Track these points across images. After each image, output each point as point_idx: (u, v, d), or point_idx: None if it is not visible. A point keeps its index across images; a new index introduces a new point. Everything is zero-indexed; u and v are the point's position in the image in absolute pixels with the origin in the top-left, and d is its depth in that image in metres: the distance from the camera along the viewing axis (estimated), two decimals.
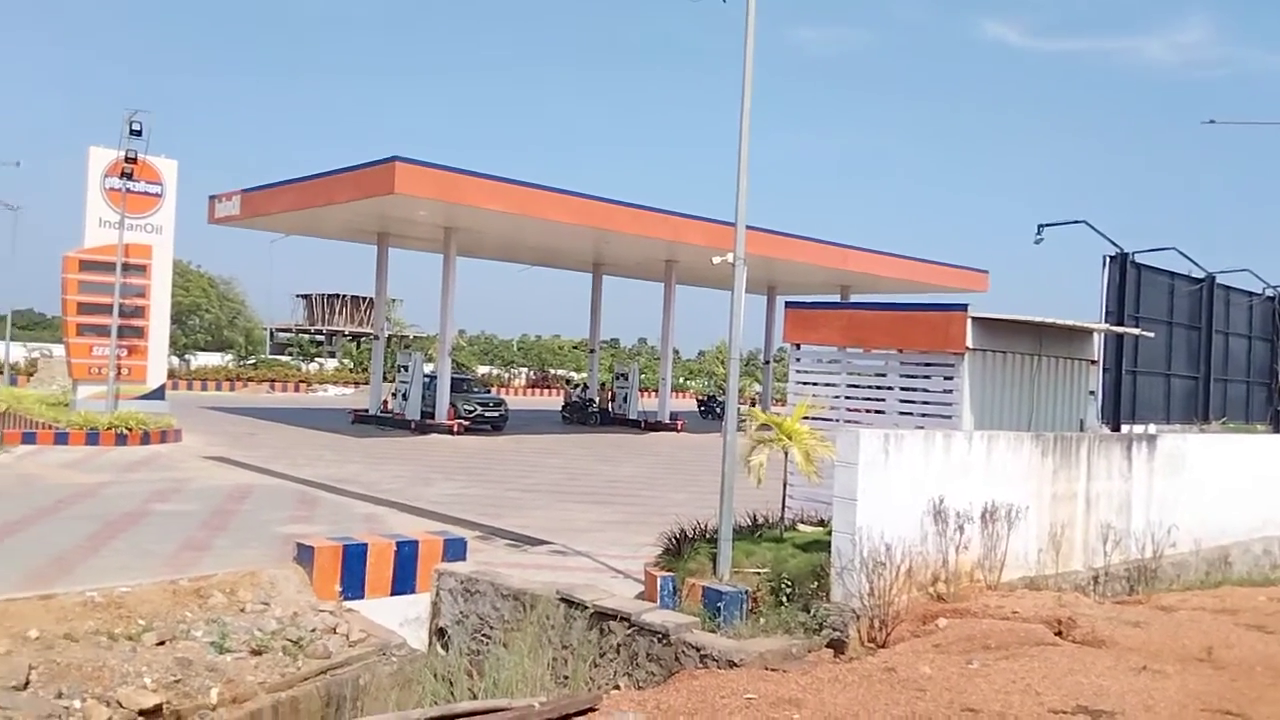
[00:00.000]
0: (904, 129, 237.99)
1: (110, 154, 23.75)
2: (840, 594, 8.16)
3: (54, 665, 7.80)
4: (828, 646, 7.91)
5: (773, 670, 6.73)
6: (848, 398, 12.48)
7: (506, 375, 69.03)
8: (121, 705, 7.40)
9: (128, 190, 23.72)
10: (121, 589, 9.07)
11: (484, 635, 9.88)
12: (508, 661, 7.93)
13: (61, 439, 21.57)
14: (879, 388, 12.50)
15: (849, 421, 11.80)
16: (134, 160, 23.28)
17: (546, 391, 61.69)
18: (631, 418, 36.04)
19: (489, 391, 38.14)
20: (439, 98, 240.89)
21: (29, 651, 7.94)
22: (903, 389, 12.19)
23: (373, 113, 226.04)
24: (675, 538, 10.11)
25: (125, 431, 22.08)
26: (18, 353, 43.36)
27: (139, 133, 23.06)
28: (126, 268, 23.74)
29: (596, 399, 37.81)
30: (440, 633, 10.35)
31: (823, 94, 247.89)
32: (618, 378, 38.45)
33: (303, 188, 26.77)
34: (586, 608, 8.85)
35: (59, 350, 39.35)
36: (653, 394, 42.72)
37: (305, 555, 10.35)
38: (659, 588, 9.26)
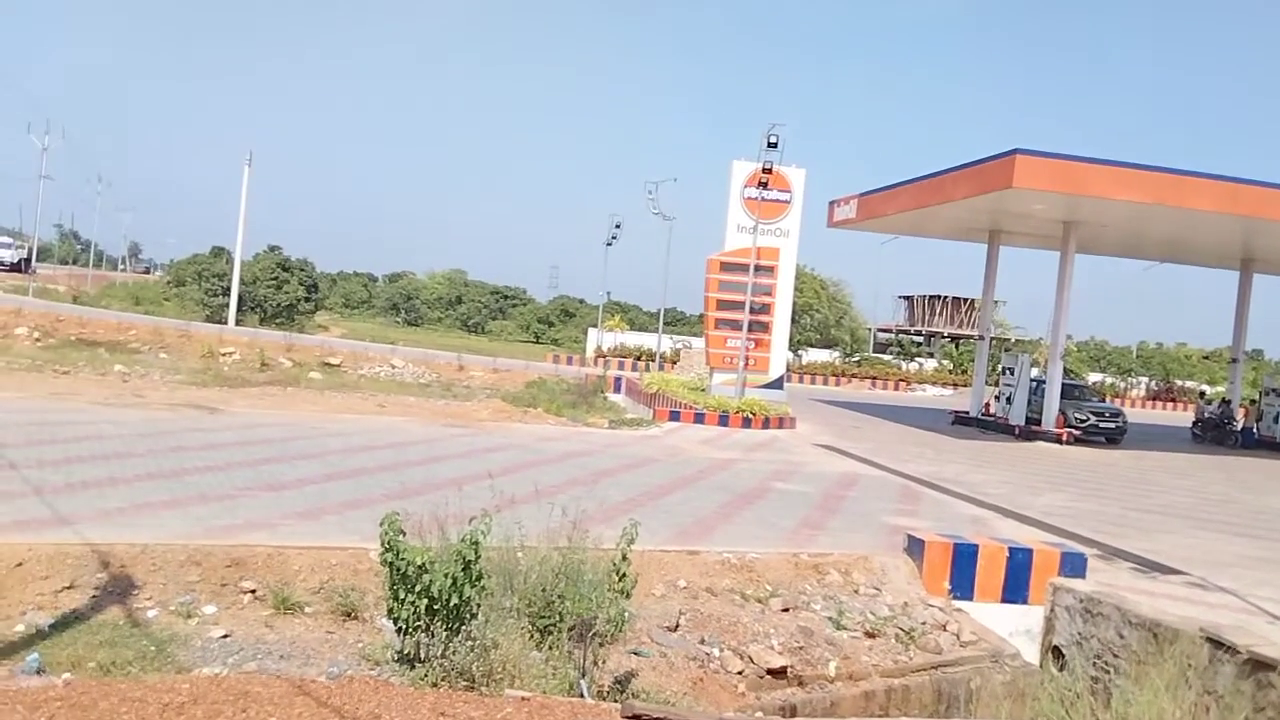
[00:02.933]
0: None
1: (749, 166, 26.51)
2: None
3: (698, 614, 8.85)
4: None
5: None
6: None
7: (1122, 384, 62.79)
8: (753, 661, 8.13)
9: (762, 198, 26.26)
10: (751, 555, 10.00)
11: (1106, 663, 9.01)
12: (1139, 698, 7.08)
13: (699, 419, 24.68)
14: None
15: None
16: (769, 171, 25.67)
17: (1170, 405, 54.83)
18: None
19: (1103, 400, 34.98)
20: (1048, 94, 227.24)
21: (678, 599, 9.13)
22: None
23: (979, 113, 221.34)
24: None
25: (750, 416, 24.55)
26: (666, 344, 50.74)
27: (775, 145, 25.35)
28: (758, 269, 26.31)
29: (1239, 417, 32.50)
30: (1055, 651, 9.67)
31: None
32: (1268, 393, 32.59)
33: (918, 188, 27.12)
34: (1239, 652, 7.57)
35: (697, 342, 45.19)
36: None
37: (915, 548, 10.42)
38: None
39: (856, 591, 9.73)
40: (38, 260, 67.65)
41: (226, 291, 54.77)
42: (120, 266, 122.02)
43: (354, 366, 34.64)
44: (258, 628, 7.12)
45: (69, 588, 7.17)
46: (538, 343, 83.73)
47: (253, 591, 7.56)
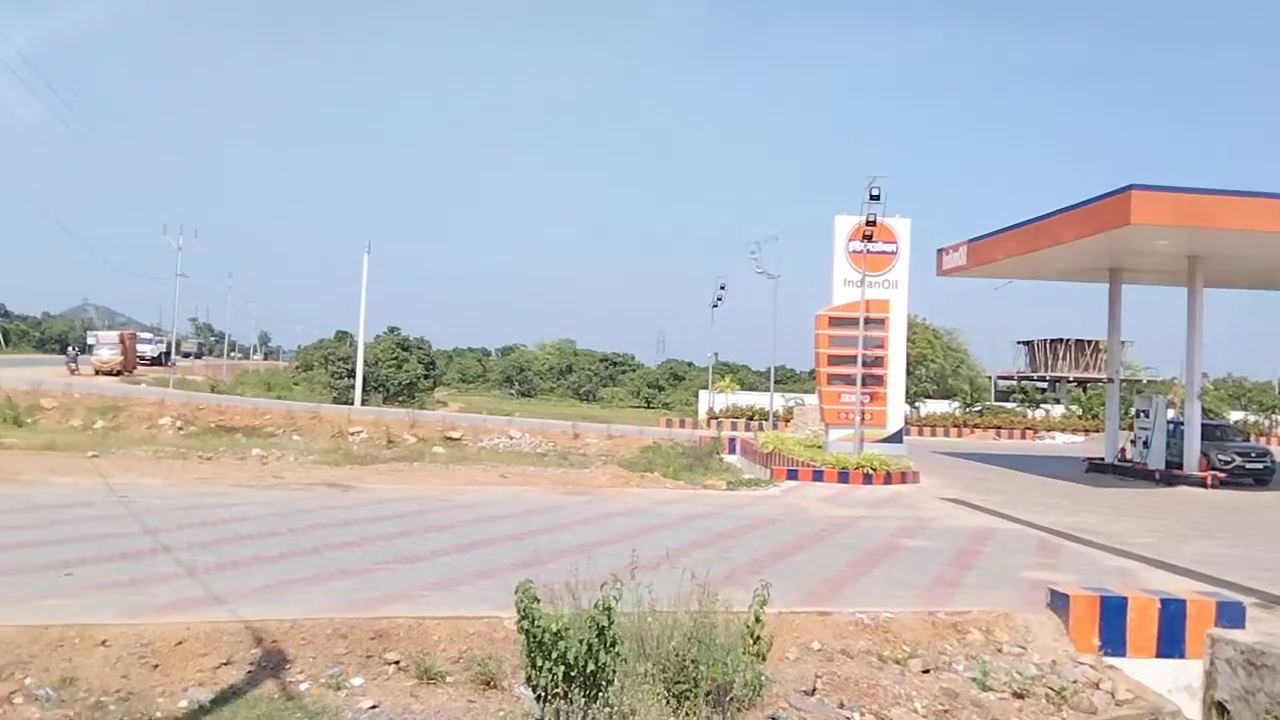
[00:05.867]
0: None
1: (852, 219, 26.41)
2: None
3: (835, 677, 8.66)
4: None
5: None
6: None
7: (1265, 422, 59.09)
8: None
9: (868, 251, 26.07)
10: (885, 614, 9.75)
11: (1276, 718, 8.42)
12: None
13: (818, 476, 24.32)
14: None
15: None
16: (873, 223, 25.51)
17: None
18: None
19: (1247, 439, 33.00)
20: (1158, 124, 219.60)
21: (813, 662, 8.95)
22: None
23: (1090, 146, 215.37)
24: None
25: (871, 471, 24.07)
26: (778, 402, 50.35)
27: (877, 197, 25.22)
28: (868, 322, 26.02)
29: None
30: (1219, 708, 9.09)
31: None
32: None
33: (1027, 231, 26.52)
34: None
35: (809, 399, 44.70)
36: None
37: (1059, 602, 9.99)
38: None
39: (1000, 650, 9.36)
40: (176, 353, 71.82)
41: (351, 374, 57.05)
42: (252, 355, 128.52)
43: (474, 439, 35.48)
44: (403, 698, 7.31)
45: (226, 664, 7.51)
46: (649, 407, 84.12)
47: (396, 662, 7.78)
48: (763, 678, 7.23)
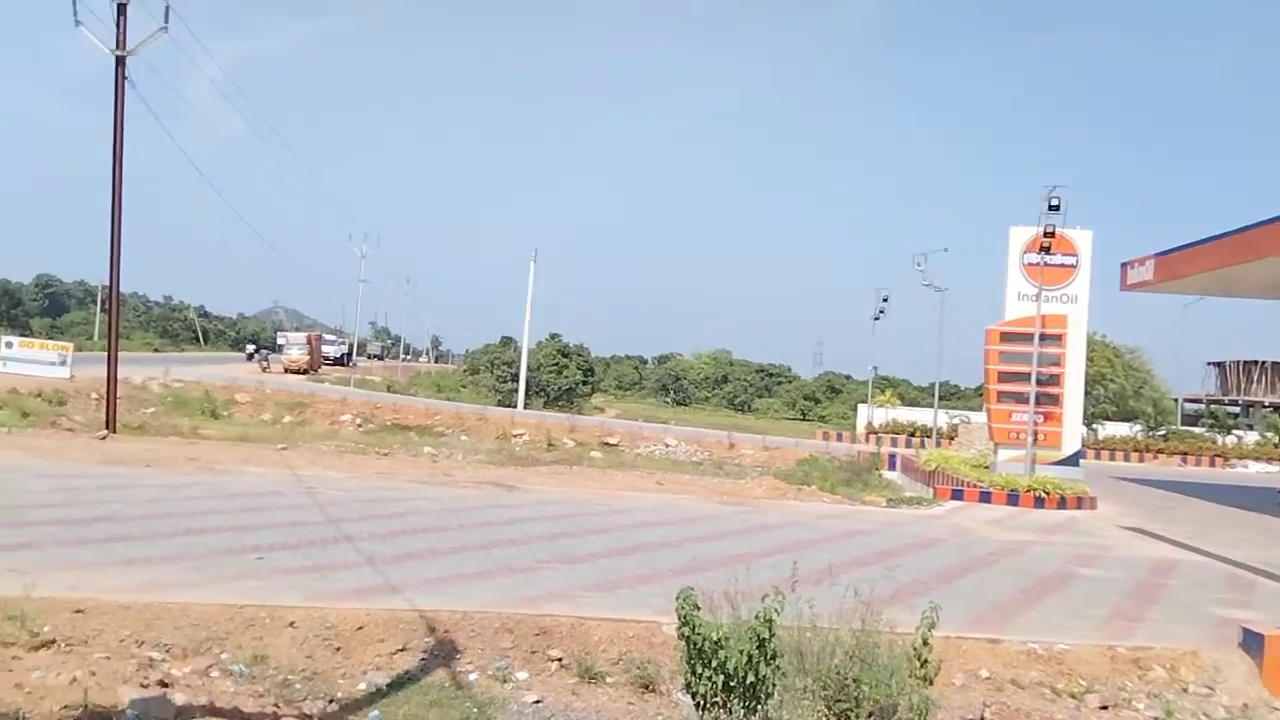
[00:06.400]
0: None
1: (1028, 231, 25.26)
2: None
3: (1004, 707, 8.31)
4: None
5: None
6: None
7: None
8: None
9: (1045, 264, 24.88)
10: (1060, 646, 9.28)
11: None
12: None
13: (985, 497, 23.36)
14: None
15: None
16: (1052, 235, 24.32)
17: None
18: None
19: None
20: None
21: (981, 690, 8.61)
22: None
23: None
24: None
25: (1043, 495, 22.93)
26: (941, 419, 48.66)
27: (1056, 208, 24.03)
28: (1043, 338, 24.81)
29: None
30: None
31: None
32: None
33: (1223, 245, 24.63)
34: None
35: (975, 416, 43.04)
36: None
37: (1253, 643, 9.25)
38: None
39: (1185, 690, 8.75)
40: (360, 354, 76.16)
41: (515, 378, 58.94)
42: (420, 358, 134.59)
43: (630, 446, 35.97)
44: (565, 695, 7.50)
45: (401, 650, 7.90)
46: (804, 420, 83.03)
47: (559, 660, 7.99)
48: (929, 702, 7.01)
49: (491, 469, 22.12)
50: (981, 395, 29.99)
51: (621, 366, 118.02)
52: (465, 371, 79.31)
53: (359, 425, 36.19)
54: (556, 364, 65.78)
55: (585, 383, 68.81)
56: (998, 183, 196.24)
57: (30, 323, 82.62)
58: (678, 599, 6.73)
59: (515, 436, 35.77)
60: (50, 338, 53.74)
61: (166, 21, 22.95)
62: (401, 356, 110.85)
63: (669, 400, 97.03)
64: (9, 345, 36.16)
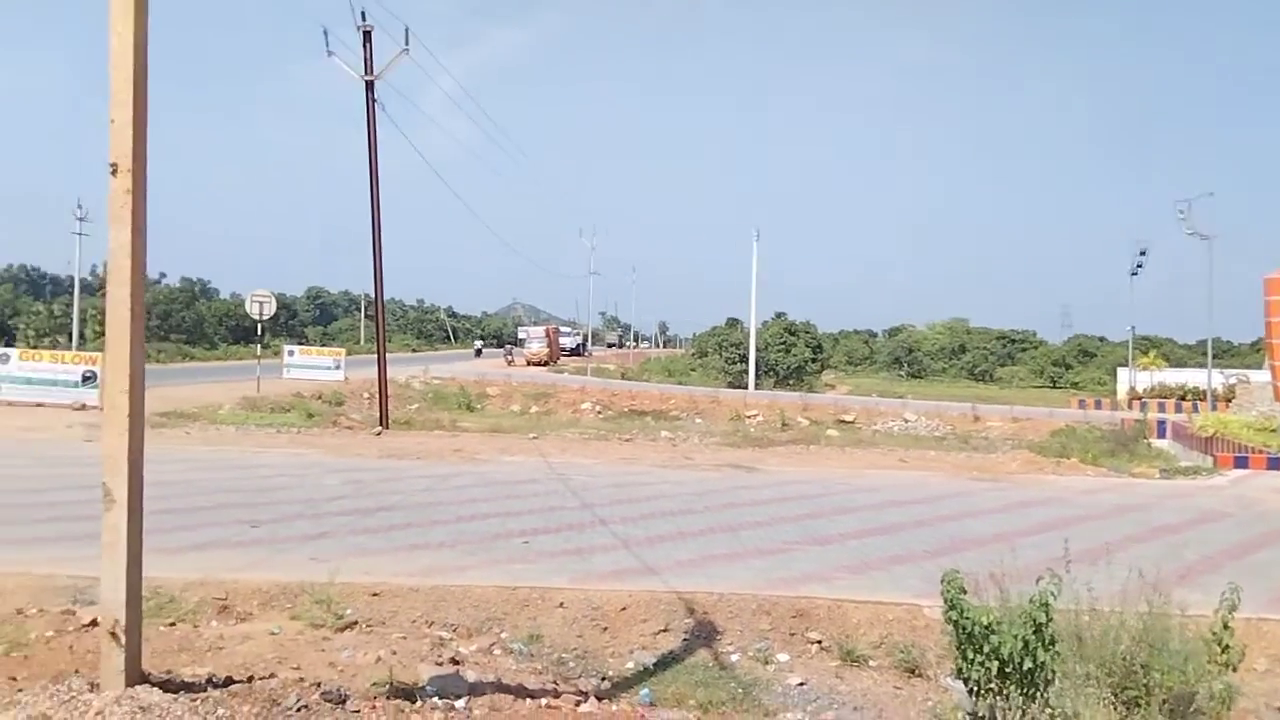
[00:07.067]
0: None
1: None
2: None
3: None
4: None
5: None
6: None
7: None
8: None
9: None
10: None
11: None
12: None
13: (1274, 464, 21.08)
14: None
15: None
16: None
17: None
18: None
19: None
20: None
21: None
22: None
23: None
24: None
25: None
26: (1215, 379, 44.26)
27: None
28: None
29: None
30: None
31: None
32: None
33: None
34: None
35: (1255, 375, 38.81)
36: None
37: None
38: None
39: None
40: (595, 343, 79.17)
41: (743, 359, 59.12)
42: (640, 343, 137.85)
43: (867, 422, 35.19)
44: (829, 678, 7.46)
45: (664, 630, 8.14)
46: (1054, 387, 78.12)
47: (818, 642, 7.96)
48: (1232, 690, 6.42)
49: (729, 451, 22.31)
50: (1261, 351, 26.99)
51: (850, 341, 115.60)
52: (693, 355, 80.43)
53: (598, 412, 37.57)
54: (784, 343, 65.42)
55: (814, 360, 68.02)
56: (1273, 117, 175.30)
57: (305, 331, 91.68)
58: (943, 581, 6.50)
59: (749, 417, 35.92)
60: (323, 344, 59.32)
61: (407, 43, 24.67)
62: (632, 344, 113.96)
63: (903, 374, 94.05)
64: (291, 353, 40.23)
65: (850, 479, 17.83)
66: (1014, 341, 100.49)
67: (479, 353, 73.79)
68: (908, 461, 21.09)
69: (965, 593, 6.56)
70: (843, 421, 35.35)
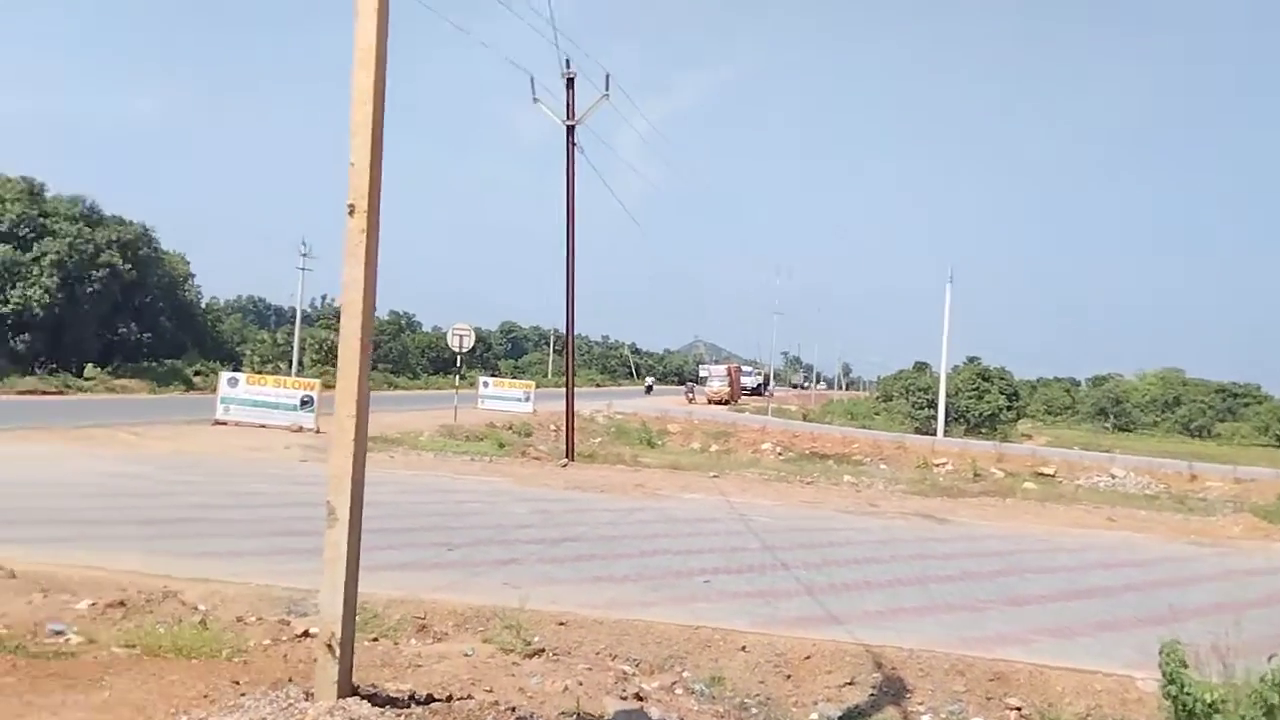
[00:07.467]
0: None
1: None
2: None
3: None
4: None
5: None
6: None
7: None
8: None
9: None
10: None
11: None
12: None
13: None
14: None
15: None
16: None
17: None
18: None
19: None
20: None
21: None
22: None
23: None
24: None
25: None
26: None
27: None
28: None
29: None
30: None
31: None
32: None
33: None
34: None
35: None
36: None
37: None
38: None
39: None
40: (773, 384, 78.62)
41: (931, 404, 57.09)
42: (819, 383, 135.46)
43: (1069, 476, 33.17)
44: None
45: (849, 684, 7.90)
46: None
47: (1019, 709, 7.51)
48: None
49: (916, 499, 21.52)
50: None
51: (1050, 389, 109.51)
52: (878, 398, 78.39)
53: (778, 453, 37.15)
54: (976, 388, 62.75)
55: (1009, 408, 64.84)
56: None
57: (498, 364, 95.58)
58: (1161, 651, 6.05)
59: (937, 465, 34.57)
60: (514, 377, 61.65)
61: (607, 89, 25.53)
62: (814, 385, 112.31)
63: (1109, 426, 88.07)
64: (485, 385, 42.07)
65: (1051, 536, 16.82)
66: (1235, 395, 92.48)
67: (649, 389, 74.70)
68: (1116, 520, 19.68)
69: (1186, 666, 6.08)
70: (1041, 474, 33.42)
